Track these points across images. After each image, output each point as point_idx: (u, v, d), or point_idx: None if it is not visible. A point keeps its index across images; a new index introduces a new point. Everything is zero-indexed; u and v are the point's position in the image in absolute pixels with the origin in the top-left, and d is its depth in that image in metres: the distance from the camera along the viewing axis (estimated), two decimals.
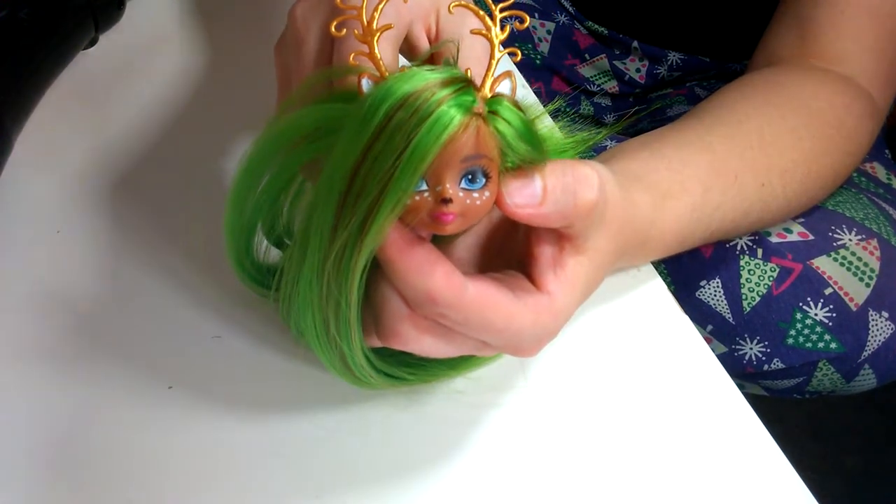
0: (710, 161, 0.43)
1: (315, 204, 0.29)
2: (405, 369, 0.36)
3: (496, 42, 0.29)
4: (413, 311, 0.29)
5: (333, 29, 0.30)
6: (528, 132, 0.28)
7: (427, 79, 0.26)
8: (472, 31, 0.29)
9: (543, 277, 0.31)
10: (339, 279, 0.29)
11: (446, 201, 0.27)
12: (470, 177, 0.27)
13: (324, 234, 0.28)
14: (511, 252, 0.34)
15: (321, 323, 0.31)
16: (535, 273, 0.31)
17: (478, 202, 0.28)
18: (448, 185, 0.27)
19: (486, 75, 0.28)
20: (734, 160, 0.44)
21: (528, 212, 0.28)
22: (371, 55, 0.29)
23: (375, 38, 0.29)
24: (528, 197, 0.28)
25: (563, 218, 0.29)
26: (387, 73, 0.28)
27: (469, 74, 0.27)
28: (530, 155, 0.28)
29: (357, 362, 0.33)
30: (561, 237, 0.31)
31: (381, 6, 0.29)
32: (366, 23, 0.29)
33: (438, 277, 0.27)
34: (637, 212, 0.37)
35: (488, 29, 0.29)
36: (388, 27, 0.29)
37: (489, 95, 0.28)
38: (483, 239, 0.34)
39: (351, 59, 0.29)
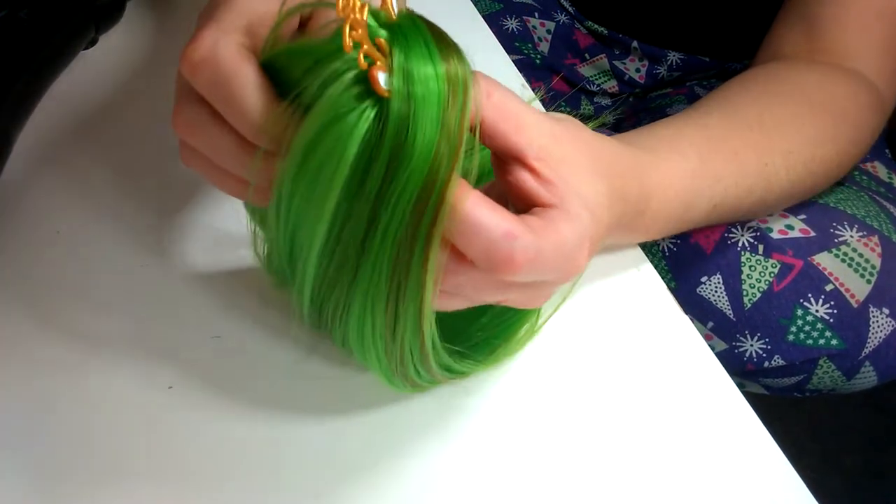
0: (706, 137, 0.43)
1: (386, 204, 0.28)
2: (461, 360, 0.36)
3: None
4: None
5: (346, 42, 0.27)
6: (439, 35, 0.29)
7: (429, 45, 0.27)
8: None
9: (541, 196, 0.31)
10: (417, 279, 0.29)
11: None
12: None
13: (397, 227, 0.28)
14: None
15: (384, 323, 0.31)
16: (532, 199, 0.31)
17: None
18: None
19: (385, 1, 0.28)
20: (733, 138, 0.44)
21: None
22: (367, 42, 0.26)
23: (366, 13, 0.27)
24: None
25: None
26: (384, 58, 0.27)
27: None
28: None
29: (422, 359, 0.33)
30: (520, 159, 0.31)
31: None
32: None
33: (501, 210, 0.28)
34: (622, 149, 0.37)
35: None
36: (364, 6, 0.27)
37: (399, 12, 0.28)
38: None
39: (348, 41, 0.26)
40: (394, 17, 0.28)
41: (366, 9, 0.26)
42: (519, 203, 0.32)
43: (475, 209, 0.28)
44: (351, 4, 0.26)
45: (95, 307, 0.41)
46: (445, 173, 0.27)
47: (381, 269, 0.29)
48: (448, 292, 0.31)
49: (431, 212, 0.27)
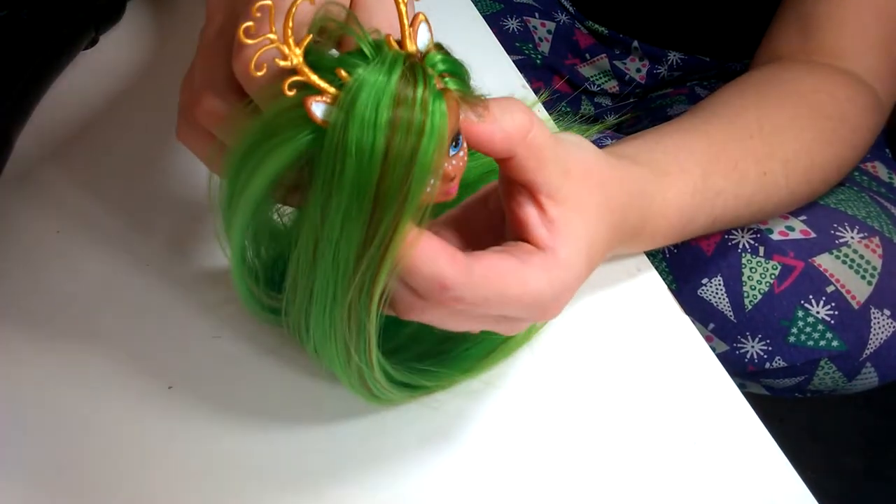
0: (707, 146, 0.43)
1: (326, 236, 0.28)
2: (424, 377, 0.36)
3: None
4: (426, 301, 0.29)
5: (252, 67, 0.26)
6: (462, 69, 0.28)
7: (387, 85, 0.26)
8: None
9: (538, 235, 0.31)
10: (362, 301, 0.29)
11: (451, 179, 0.28)
12: (454, 143, 0.28)
13: (342, 263, 0.28)
14: (498, 230, 0.34)
15: (342, 345, 0.31)
16: (529, 236, 0.31)
17: (463, 158, 0.29)
18: (447, 165, 0.28)
19: (403, 30, 0.27)
20: (734, 148, 0.44)
21: (479, 131, 0.29)
22: (303, 74, 0.26)
23: (301, 51, 0.26)
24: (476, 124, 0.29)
25: (506, 138, 0.29)
26: (332, 90, 0.26)
27: (391, 39, 0.27)
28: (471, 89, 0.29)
29: (375, 379, 0.33)
30: (531, 193, 0.31)
31: (292, 11, 0.26)
32: (283, 42, 0.26)
33: (444, 261, 0.28)
34: (627, 175, 0.37)
35: None
36: (307, 38, 0.26)
37: (415, 50, 0.27)
38: (466, 223, 0.35)
39: (285, 87, 0.26)
40: (406, 49, 0.27)
41: (306, 41, 0.26)
42: (516, 232, 0.32)
43: (415, 260, 0.28)
44: (282, 32, 0.26)
45: (95, 307, 0.40)
46: (385, 226, 0.27)
47: (332, 299, 0.29)
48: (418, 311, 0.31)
49: (373, 258, 0.28)
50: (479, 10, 0.62)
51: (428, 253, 0.28)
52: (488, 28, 0.60)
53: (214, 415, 0.37)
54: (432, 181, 0.27)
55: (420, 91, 0.26)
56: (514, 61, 0.57)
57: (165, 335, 0.40)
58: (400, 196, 0.26)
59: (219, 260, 0.43)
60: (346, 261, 0.28)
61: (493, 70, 0.56)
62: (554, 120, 0.48)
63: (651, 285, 0.45)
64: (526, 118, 0.30)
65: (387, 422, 0.38)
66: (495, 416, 0.38)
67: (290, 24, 0.26)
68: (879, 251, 0.52)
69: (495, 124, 0.29)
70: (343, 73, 0.26)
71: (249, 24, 0.26)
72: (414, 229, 0.28)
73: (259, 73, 0.26)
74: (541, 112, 0.50)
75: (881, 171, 0.63)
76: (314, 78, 0.26)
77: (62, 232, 0.43)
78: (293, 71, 0.26)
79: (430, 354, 0.37)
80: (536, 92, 0.53)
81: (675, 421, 0.39)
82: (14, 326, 0.39)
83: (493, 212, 0.36)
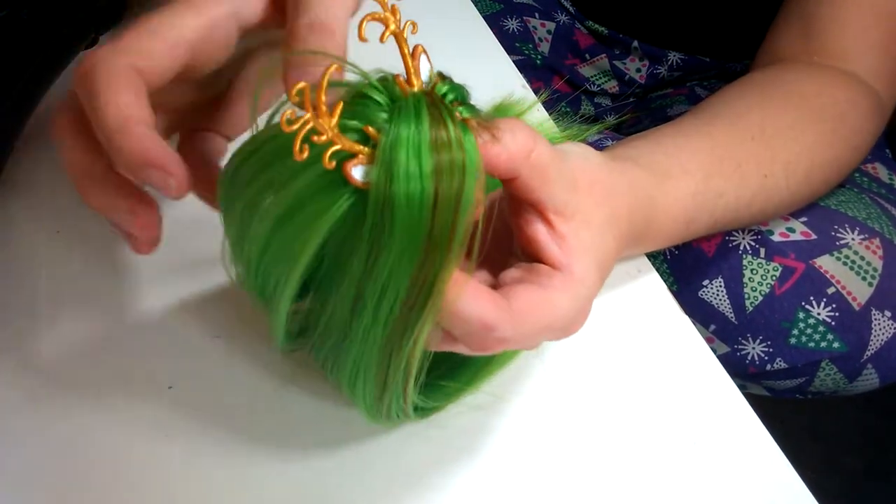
0: (710, 148, 0.43)
1: (371, 288, 0.28)
2: (433, 395, 0.36)
3: (400, 32, 0.27)
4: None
5: (297, 150, 0.25)
6: (466, 93, 0.28)
7: (421, 132, 0.26)
8: (369, 18, 0.27)
9: (552, 253, 0.31)
10: (406, 346, 0.29)
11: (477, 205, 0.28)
12: None
13: (384, 312, 0.28)
14: (501, 243, 0.34)
15: (374, 385, 0.32)
16: (542, 255, 0.31)
17: None
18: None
19: (407, 68, 0.27)
20: (735, 149, 0.44)
21: (483, 153, 0.29)
22: (340, 142, 0.26)
23: (335, 122, 0.25)
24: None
25: (510, 159, 0.29)
26: (367, 150, 0.26)
27: (399, 79, 0.27)
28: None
29: (403, 411, 0.34)
30: (539, 211, 0.31)
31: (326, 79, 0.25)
32: (314, 109, 0.25)
33: (486, 303, 0.28)
34: (631, 181, 0.37)
35: (386, 20, 0.27)
36: (339, 106, 0.26)
37: (422, 85, 0.27)
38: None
39: (326, 160, 0.25)
40: (413, 86, 0.27)
41: (338, 111, 0.26)
42: (527, 250, 0.32)
43: (459, 303, 0.28)
44: (316, 105, 0.25)
45: (95, 307, 0.40)
46: (436, 270, 0.27)
47: (372, 343, 0.30)
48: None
49: (420, 305, 0.28)
50: (479, 10, 0.62)
51: (471, 295, 0.28)
52: (488, 28, 0.60)
53: (214, 415, 0.37)
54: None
55: (452, 130, 0.26)
56: (514, 61, 0.57)
57: (165, 335, 0.40)
58: (449, 238, 0.27)
59: (219, 259, 0.43)
60: (390, 308, 0.28)
61: (493, 70, 0.56)
62: (554, 120, 0.48)
63: (651, 286, 0.45)
64: (528, 137, 0.29)
65: (392, 439, 0.38)
66: (499, 424, 0.38)
67: (324, 99, 0.25)
68: (880, 252, 0.52)
69: (499, 146, 0.29)
70: (371, 130, 0.26)
71: (290, 112, 0.25)
72: (458, 272, 0.28)
73: (304, 155, 0.25)
74: (541, 112, 0.50)
75: (882, 172, 0.63)
76: (351, 144, 0.26)
77: (62, 232, 0.43)
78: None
79: (436, 365, 0.37)
80: (536, 92, 0.53)
81: (676, 421, 0.39)
82: (14, 326, 0.39)
83: (497, 227, 0.36)
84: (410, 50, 0.27)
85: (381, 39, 0.26)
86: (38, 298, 0.41)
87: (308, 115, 0.25)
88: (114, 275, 0.42)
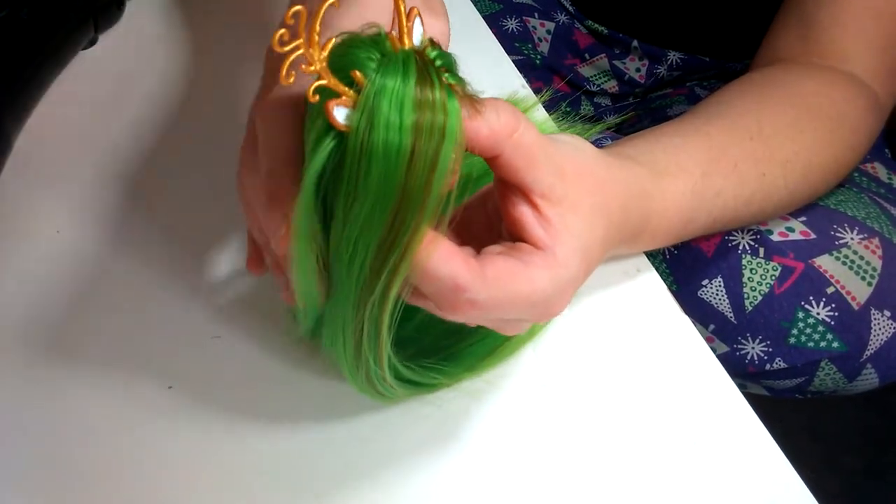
0: (707, 147, 0.43)
1: (346, 238, 0.28)
2: (429, 373, 0.36)
3: None
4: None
5: (284, 74, 0.26)
6: (455, 62, 0.28)
7: (406, 88, 0.26)
8: None
9: (536, 235, 0.31)
10: (377, 302, 0.29)
11: (453, 173, 0.28)
12: None
13: (357, 265, 0.28)
14: (496, 230, 0.35)
15: (352, 343, 0.31)
16: (527, 236, 0.32)
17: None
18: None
19: (401, 27, 0.27)
20: (733, 149, 0.44)
21: (465, 126, 0.29)
22: (327, 77, 0.26)
23: (326, 55, 0.26)
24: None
25: (491, 135, 0.29)
26: (352, 93, 0.26)
27: (392, 35, 0.27)
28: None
29: (383, 377, 0.33)
30: (525, 193, 0.31)
31: (319, 17, 0.26)
32: (310, 44, 0.26)
33: (459, 263, 0.28)
34: (627, 175, 0.38)
35: None
36: (330, 40, 0.26)
37: (410, 46, 0.27)
38: (465, 224, 0.35)
39: (310, 92, 0.26)
40: (405, 45, 0.27)
41: (330, 44, 0.26)
42: (513, 232, 0.32)
43: (431, 262, 0.28)
44: (308, 35, 0.25)
45: (95, 307, 0.40)
46: (406, 227, 0.27)
47: (345, 299, 0.30)
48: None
49: (391, 261, 0.28)
50: (478, 10, 0.62)
51: (444, 255, 0.28)
52: (488, 28, 0.60)
53: (214, 415, 0.37)
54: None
55: (437, 92, 0.26)
56: (513, 61, 0.57)
57: (165, 335, 0.40)
58: (423, 197, 0.27)
59: (219, 260, 0.43)
60: (361, 263, 0.28)
61: (493, 70, 0.56)
62: (554, 120, 0.48)
63: (651, 286, 0.45)
64: (512, 117, 0.30)
65: (390, 420, 0.38)
66: (497, 415, 0.38)
67: (317, 28, 0.25)
68: (879, 252, 0.52)
69: (480, 120, 0.29)
70: (358, 75, 0.26)
71: (283, 31, 0.25)
72: (431, 231, 0.28)
73: (290, 80, 0.25)
74: (541, 112, 0.50)
75: (881, 171, 0.63)
76: (336, 82, 0.26)
77: (62, 232, 0.43)
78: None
79: (435, 350, 0.37)
80: (536, 92, 0.53)
81: (675, 421, 0.39)
82: (14, 326, 0.39)
83: (491, 213, 0.36)
84: (406, 9, 0.27)
85: None
86: (37, 298, 0.41)
87: (300, 41, 0.25)
88: (113, 275, 0.42)
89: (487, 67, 0.57)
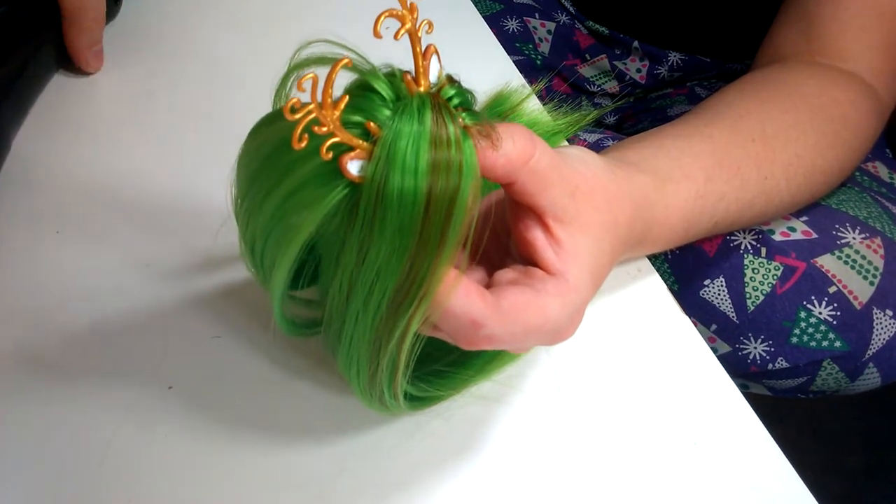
0: (711, 151, 0.43)
1: (361, 280, 0.28)
2: (435, 383, 0.37)
3: (415, 31, 0.27)
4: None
5: (296, 140, 0.25)
6: (471, 98, 0.29)
7: (423, 131, 0.26)
8: (387, 14, 0.27)
9: (547, 259, 0.32)
10: (395, 341, 0.29)
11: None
12: None
13: (373, 305, 0.29)
14: (500, 245, 0.35)
15: (366, 374, 0.32)
16: (538, 259, 0.32)
17: None
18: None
19: (417, 66, 0.27)
20: (736, 151, 0.44)
21: (481, 157, 0.29)
22: (339, 132, 0.26)
23: (338, 114, 0.26)
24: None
25: (508, 164, 0.29)
26: (366, 145, 0.26)
27: (408, 76, 0.27)
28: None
29: (396, 403, 0.34)
30: (538, 216, 0.32)
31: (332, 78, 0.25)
32: (321, 105, 0.25)
33: (476, 300, 0.29)
34: (632, 187, 0.38)
35: (404, 18, 0.27)
36: (343, 99, 0.26)
37: (430, 85, 0.27)
38: (479, 246, 0.35)
39: (324, 151, 0.26)
40: (420, 86, 0.27)
41: (342, 104, 0.26)
42: (523, 254, 0.32)
43: (450, 300, 0.28)
44: (321, 98, 0.25)
45: (95, 307, 0.40)
46: (425, 270, 0.27)
47: (362, 334, 0.30)
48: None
49: (408, 302, 0.28)
50: (479, 10, 0.62)
51: (462, 293, 0.28)
52: (488, 28, 0.60)
53: (214, 415, 0.37)
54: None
55: (452, 131, 0.26)
56: (514, 62, 0.57)
57: (165, 335, 0.40)
58: (440, 242, 0.27)
59: (219, 259, 0.43)
60: (378, 304, 0.28)
61: (493, 70, 0.56)
62: (548, 111, 0.48)
63: (652, 287, 0.45)
64: (529, 143, 0.30)
65: (393, 420, 0.38)
66: (502, 420, 0.38)
67: (330, 92, 0.25)
68: (881, 251, 0.52)
69: (498, 151, 0.29)
70: (373, 126, 0.26)
71: (295, 100, 0.25)
72: (452, 270, 0.28)
73: (303, 145, 0.25)
74: (534, 103, 0.50)
75: (882, 171, 0.63)
76: (350, 137, 0.26)
77: (62, 232, 0.43)
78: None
79: (445, 353, 0.37)
80: (536, 92, 0.53)
81: (676, 421, 0.39)
82: (13, 326, 0.39)
83: (495, 228, 0.36)
84: (423, 49, 0.27)
85: (396, 37, 0.26)
86: (37, 299, 0.41)
87: (312, 106, 0.25)
88: (113, 275, 0.42)
89: (487, 68, 0.57)
